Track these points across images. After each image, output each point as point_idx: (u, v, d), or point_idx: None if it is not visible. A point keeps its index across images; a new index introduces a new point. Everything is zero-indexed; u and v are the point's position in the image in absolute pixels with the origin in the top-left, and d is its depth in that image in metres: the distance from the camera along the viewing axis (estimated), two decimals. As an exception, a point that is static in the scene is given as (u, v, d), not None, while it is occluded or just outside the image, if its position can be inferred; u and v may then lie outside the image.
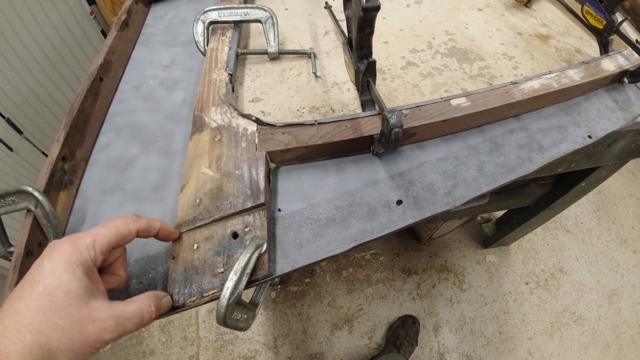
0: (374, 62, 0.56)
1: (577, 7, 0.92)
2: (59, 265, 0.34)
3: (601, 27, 0.77)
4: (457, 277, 1.72)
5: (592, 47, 0.86)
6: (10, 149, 1.50)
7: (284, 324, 1.61)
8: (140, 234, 0.41)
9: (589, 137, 0.66)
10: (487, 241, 1.77)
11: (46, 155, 1.71)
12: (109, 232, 0.38)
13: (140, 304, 0.38)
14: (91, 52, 1.85)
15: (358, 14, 0.51)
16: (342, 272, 1.72)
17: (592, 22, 0.79)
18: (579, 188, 1.23)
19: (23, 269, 0.51)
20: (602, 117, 0.69)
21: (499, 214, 1.81)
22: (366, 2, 0.48)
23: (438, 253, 1.78)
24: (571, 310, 1.67)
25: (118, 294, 0.50)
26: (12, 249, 0.60)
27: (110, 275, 0.43)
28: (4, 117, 1.48)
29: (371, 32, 0.54)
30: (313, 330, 1.59)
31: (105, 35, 1.91)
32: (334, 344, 1.57)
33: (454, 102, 0.62)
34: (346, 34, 0.71)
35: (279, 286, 1.66)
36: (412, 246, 1.79)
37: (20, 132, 1.58)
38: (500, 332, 1.60)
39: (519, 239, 1.76)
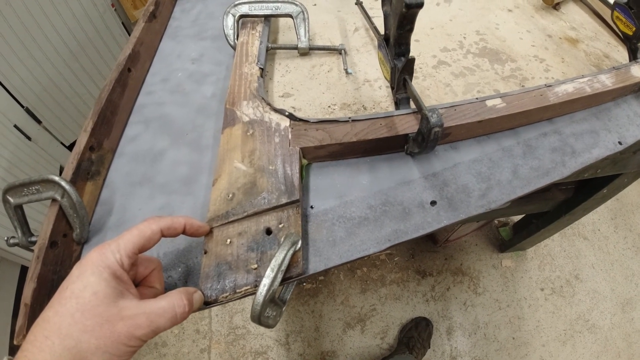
0: (413, 60, 0.55)
1: (605, 12, 0.92)
2: (86, 270, 0.34)
3: (631, 33, 0.76)
4: (472, 281, 1.70)
5: (619, 52, 0.85)
6: (29, 138, 1.51)
7: (297, 320, 1.60)
8: (165, 234, 0.41)
9: (620, 143, 0.65)
10: (504, 245, 1.75)
11: (65, 146, 1.73)
12: (132, 235, 0.38)
13: (172, 299, 0.38)
14: (112, 44, 1.86)
15: (399, 11, 0.50)
16: (356, 271, 1.71)
17: (622, 28, 0.79)
18: (600, 194, 1.21)
19: (47, 260, 0.51)
20: (632, 124, 0.68)
21: (516, 218, 1.78)
22: (408, -2, 0.47)
23: (454, 256, 1.76)
24: (585, 318, 1.64)
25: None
26: (33, 239, 0.59)
27: (146, 288, 0.43)
28: (22, 107, 1.50)
29: (411, 30, 0.53)
30: (325, 328, 1.59)
31: (126, 28, 1.92)
32: (346, 342, 1.56)
33: (489, 102, 0.61)
34: (379, 30, 0.70)
35: (303, 284, 1.66)
36: (427, 248, 1.78)
37: (39, 122, 1.59)
38: (513, 338, 1.58)
39: (536, 245, 1.74)
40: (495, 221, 1.84)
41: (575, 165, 0.61)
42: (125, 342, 0.33)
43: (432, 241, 1.78)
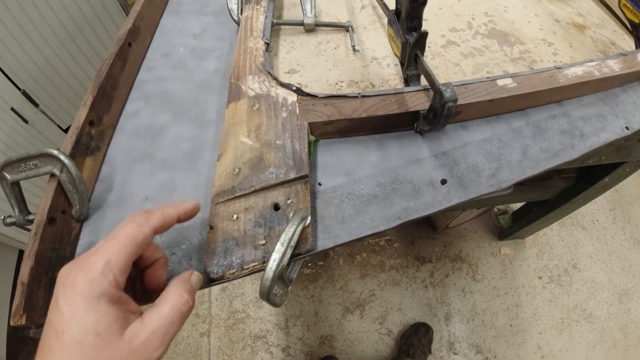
0: (426, 34, 0.53)
1: (611, 0, 0.92)
2: (78, 307, 0.28)
3: (638, 21, 0.77)
4: (471, 268, 1.71)
5: (625, 40, 0.85)
6: (26, 121, 1.48)
7: (296, 305, 1.61)
8: (159, 232, 0.36)
9: (627, 128, 0.65)
10: (503, 233, 1.76)
11: (62, 129, 1.70)
12: (122, 245, 0.32)
13: (173, 300, 0.34)
14: (110, 24, 1.82)
15: (413, -19, 0.48)
16: (355, 256, 1.71)
17: (629, 15, 0.79)
18: (601, 184, 1.21)
19: (45, 237, 0.49)
20: (638, 110, 0.68)
21: (516, 206, 1.78)
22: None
23: (453, 243, 1.76)
24: (582, 307, 1.66)
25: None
26: (31, 217, 0.57)
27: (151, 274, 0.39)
28: (19, 89, 1.46)
29: (424, 3, 0.51)
30: (325, 312, 1.59)
31: (123, 9, 1.88)
32: (345, 327, 1.57)
33: (500, 82, 0.60)
34: (387, 7, 0.68)
35: (309, 264, 1.65)
36: (427, 234, 1.78)
37: (36, 104, 1.56)
38: (510, 325, 1.59)
39: (535, 233, 1.74)
40: (495, 209, 1.84)
41: (584, 147, 0.60)
42: None
43: (431, 228, 1.78)
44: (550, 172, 1.33)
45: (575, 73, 0.65)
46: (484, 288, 1.66)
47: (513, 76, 0.62)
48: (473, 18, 0.84)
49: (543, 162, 0.58)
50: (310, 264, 1.67)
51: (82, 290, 0.29)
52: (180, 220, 0.39)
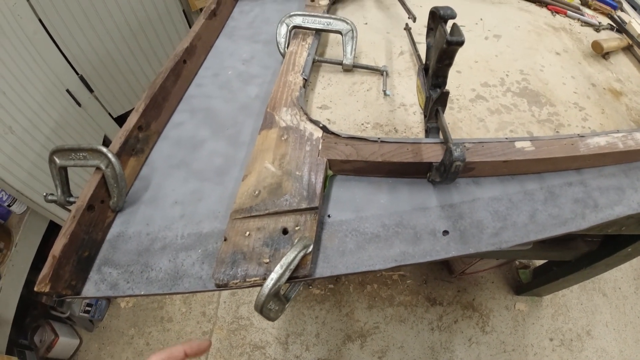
0: (447, 93, 0.57)
1: None
2: None
3: None
4: (482, 318, 1.67)
5: None
6: (79, 104, 1.61)
7: (299, 323, 1.63)
8: None
9: None
10: (521, 288, 1.71)
11: (112, 117, 1.84)
12: None
13: None
14: (171, 29, 1.96)
15: (441, 45, 0.52)
16: (366, 286, 1.72)
17: None
18: (624, 252, 1.17)
19: (82, 221, 0.56)
20: None
21: (538, 262, 1.74)
22: (451, 35, 0.50)
23: (467, 289, 1.73)
24: (589, 377, 1.58)
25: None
26: (71, 199, 0.65)
27: None
28: (77, 74, 1.60)
29: (450, 64, 0.55)
30: (326, 336, 1.61)
31: (186, 16, 2.02)
32: (344, 354, 1.57)
33: (518, 144, 0.62)
34: (423, 59, 0.73)
35: (310, 286, 1.69)
36: (442, 276, 1.76)
37: (91, 90, 1.69)
38: (513, 384, 1.54)
39: (554, 293, 1.69)
40: (516, 262, 1.80)
41: (594, 219, 0.60)
42: None
43: (447, 270, 1.76)
44: (573, 234, 1.30)
45: (598, 143, 0.64)
46: (492, 341, 1.62)
47: (532, 139, 0.63)
48: (507, 75, 0.86)
49: (549, 229, 0.58)
50: (310, 287, 1.70)
51: None
52: (188, 355, 0.45)
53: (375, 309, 1.67)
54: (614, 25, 1.05)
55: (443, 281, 1.75)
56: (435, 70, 0.57)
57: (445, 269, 1.77)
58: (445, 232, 0.55)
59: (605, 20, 1.08)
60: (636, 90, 0.87)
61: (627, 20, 1.01)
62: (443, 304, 1.70)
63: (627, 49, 0.99)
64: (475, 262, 1.52)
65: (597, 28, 1.05)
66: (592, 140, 0.65)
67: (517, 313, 1.70)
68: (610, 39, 0.95)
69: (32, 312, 1.67)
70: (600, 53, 0.94)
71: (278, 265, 0.45)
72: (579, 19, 1.07)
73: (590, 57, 0.95)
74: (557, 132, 0.75)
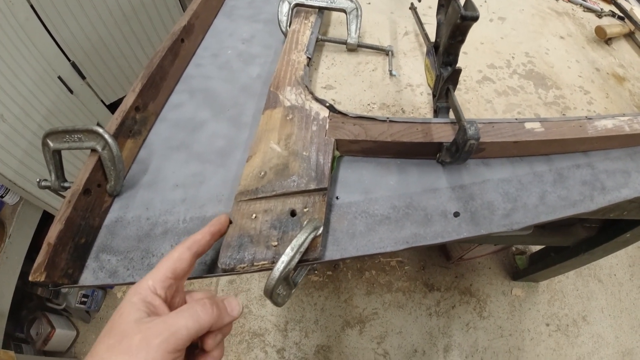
0: (459, 70, 0.56)
1: None
2: (123, 301, 0.38)
3: None
4: (479, 303, 1.69)
5: None
6: (71, 91, 1.57)
7: (298, 310, 1.63)
8: (194, 251, 0.42)
9: None
10: (517, 274, 1.73)
11: (104, 104, 1.79)
12: (162, 262, 0.40)
13: (192, 302, 0.39)
14: (165, 13, 1.91)
15: (454, 21, 0.50)
16: (364, 272, 1.72)
17: None
18: (623, 238, 1.19)
19: (77, 205, 0.53)
20: None
21: (534, 248, 1.75)
22: (465, 10, 0.48)
23: (465, 275, 1.75)
24: (584, 361, 1.61)
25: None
26: (66, 184, 0.62)
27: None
28: (69, 60, 1.55)
29: (462, 41, 0.53)
30: (325, 322, 1.61)
31: (180, 1, 1.97)
32: (343, 340, 1.58)
33: (527, 125, 0.61)
34: (429, 37, 0.71)
35: (315, 271, 1.68)
36: (439, 262, 1.77)
37: (83, 77, 1.65)
38: (509, 368, 1.56)
39: (550, 279, 1.70)
40: (513, 248, 1.81)
41: (602, 201, 0.60)
42: (146, 353, 0.33)
43: (445, 256, 1.77)
44: (573, 219, 1.30)
45: (605, 126, 0.64)
46: (489, 326, 1.64)
47: (542, 121, 0.62)
48: (513, 57, 0.85)
49: (559, 210, 0.58)
50: (316, 272, 1.70)
51: (129, 292, 0.38)
52: (215, 237, 0.46)
53: (373, 295, 1.68)
54: (618, 11, 1.04)
55: (441, 267, 1.76)
56: (446, 47, 0.55)
57: (442, 255, 1.78)
58: (457, 214, 0.54)
59: (607, 7, 1.07)
60: (638, 77, 0.88)
61: (627, 8, 1.02)
62: (441, 289, 1.71)
63: (629, 36, 0.99)
64: (472, 248, 1.53)
65: (599, 14, 1.04)
66: (599, 123, 0.65)
67: (514, 298, 1.71)
68: (613, 25, 0.95)
69: (27, 304, 1.64)
70: (604, 39, 0.94)
71: (288, 248, 0.43)
72: (581, 5, 1.07)
73: (593, 42, 0.95)
74: (563, 114, 0.74)
